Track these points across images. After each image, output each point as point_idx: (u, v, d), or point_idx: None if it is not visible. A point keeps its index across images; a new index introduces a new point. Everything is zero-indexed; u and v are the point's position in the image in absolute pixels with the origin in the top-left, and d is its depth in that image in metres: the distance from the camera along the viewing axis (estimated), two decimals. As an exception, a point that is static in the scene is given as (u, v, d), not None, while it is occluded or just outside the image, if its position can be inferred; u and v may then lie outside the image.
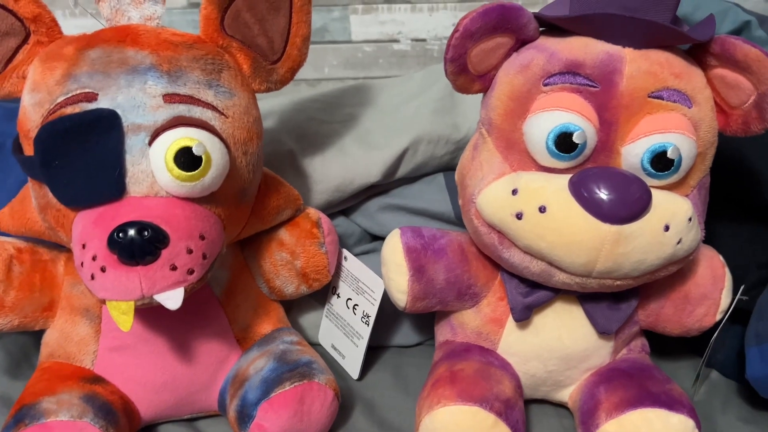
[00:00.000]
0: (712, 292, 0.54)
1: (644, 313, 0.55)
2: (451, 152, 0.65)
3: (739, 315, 0.57)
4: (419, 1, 0.90)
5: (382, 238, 0.62)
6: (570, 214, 0.45)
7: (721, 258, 0.56)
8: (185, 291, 0.44)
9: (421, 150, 0.64)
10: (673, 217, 0.46)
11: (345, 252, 0.61)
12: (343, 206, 0.66)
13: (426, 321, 0.64)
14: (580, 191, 0.45)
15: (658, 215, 0.46)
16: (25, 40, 0.48)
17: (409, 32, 0.92)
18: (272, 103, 0.69)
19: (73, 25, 0.82)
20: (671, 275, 0.52)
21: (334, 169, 0.63)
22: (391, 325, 0.65)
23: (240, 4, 0.50)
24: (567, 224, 0.46)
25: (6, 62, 0.48)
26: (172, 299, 0.44)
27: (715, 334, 0.56)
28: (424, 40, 0.92)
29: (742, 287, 0.56)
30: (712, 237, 0.56)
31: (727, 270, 0.55)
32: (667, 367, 0.62)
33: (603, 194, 0.45)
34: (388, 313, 0.61)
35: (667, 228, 0.46)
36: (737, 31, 0.66)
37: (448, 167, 0.66)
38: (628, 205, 0.45)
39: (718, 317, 0.55)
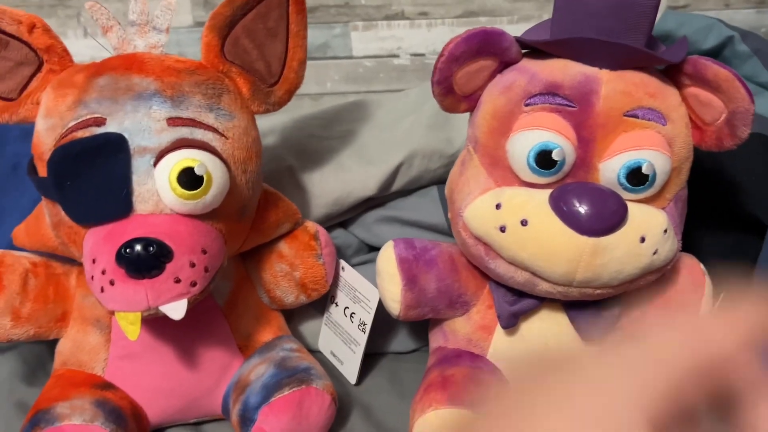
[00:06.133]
0: (692, 300, 0.57)
1: (627, 320, 0.58)
2: (444, 166, 0.68)
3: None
4: (418, 17, 0.93)
5: (379, 249, 0.64)
6: (550, 227, 0.48)
7: (702, 266, 0.58)
8: (188, 302, 0.47)
9: (416, 164, 0.67)
10: (648, 229, 0.49)
11: (342, 263, 0.64)
12: (342, 218, 0.69)
13: (421, 328, 0.67)
14: (560, 205, 0.48)
15: (634, 228, 0.48)
16: (38, 69, 0.51)
17: (409, 47, 0.95)
18: (274, 121, 0.72)
19: (85, 46, 0.86)
20: (653, 283, 0.54)
21: (332, 183, 0.66)
22: (388, 333, 0.68)
23: (239, 32, 0.53)
24: (547, 237, 0.48)
25: (21, 89, 0.51)
26: (177, 310, 0.47)
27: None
28: (422, 54, 0.95)
29: (722, 295, 0.58)
30: (695, 246, 0.58)
31: (707, 277, 0.57)
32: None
33: (581, 208, 0.47)
34: (384, 321, 0.64)
35: (643, 239, 0.49)
36: (721, 46, 0.68)
37: (441, 180, 0.68)
38: (604, 218, 0.47)
39: (699, 323, 0.57)
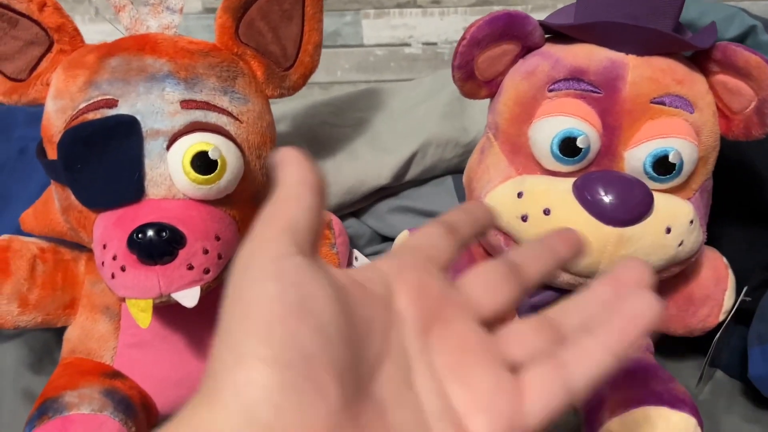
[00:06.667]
0: (715, 293, 0.55)
1: (648, 313, 0.56)
2: (459, 155, 0.67)
3: (744, 315, 0.58)
4: (430, 5, 0.92)
5: (392, 239, 0.63)
6: (573, 217, 0.47)
7: (724, 260, 0.56)
8: (201, 289, 0.46)
9: (430, 153, 0.66)
10: (674, 219, 0.48)
11: (356, 252, 0.63)
12: (354, 208, 0.68)
13: (435, 320, 0.66)
14: (584, 194, 0.47)
15: (660, 218, 0.47)
16: (48, 49, 0.50)
17: (420, 36, 0.93)
18: (286, 108, 0.71)
19: (93, 30, 0.85)
20: (675, 277, 0.53)
21: (345, 172, 0.65)
22: (401, 324, 0.67)
23: (254, 13, 0.52)
24: (570, 226, 0.47)
25: (30, 70, 0.50)
26: (189, 297, 0.46)
27: (718, 335, 0.57)
28: (434, 43, 0.94)
29: (745, 288, 0.57)
30: (717, 239, 0.57)
31: (730, 271, 0.56)
32: (672, 366, 0.63)
33: (606, 197, 0.46)
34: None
35: (668, 230, 0.47)
36: (743, 36, 0.66)
37: (456, 170, 0.67)
38: (630, 208, 0.46)
39: (721, 318, 0.56)
